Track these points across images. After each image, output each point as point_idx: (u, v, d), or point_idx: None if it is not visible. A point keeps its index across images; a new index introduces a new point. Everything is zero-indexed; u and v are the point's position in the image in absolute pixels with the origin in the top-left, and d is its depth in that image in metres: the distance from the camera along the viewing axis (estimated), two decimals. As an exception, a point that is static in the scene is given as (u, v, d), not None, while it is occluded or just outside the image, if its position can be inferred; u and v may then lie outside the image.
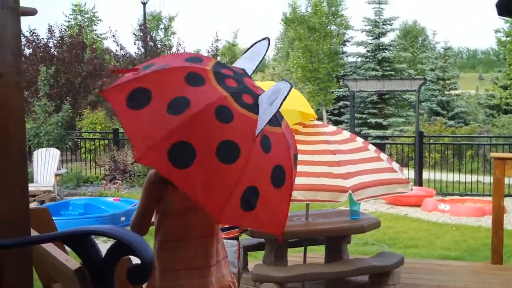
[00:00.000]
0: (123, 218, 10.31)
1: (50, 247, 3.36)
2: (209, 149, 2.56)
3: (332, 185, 5.32)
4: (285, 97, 2.76)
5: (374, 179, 5.52)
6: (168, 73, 2.71)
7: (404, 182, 5.63)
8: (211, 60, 2.91)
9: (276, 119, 2.83)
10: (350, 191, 5.33)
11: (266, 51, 3.08)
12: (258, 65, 3.10)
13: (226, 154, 2.57)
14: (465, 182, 14.71)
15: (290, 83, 2.89)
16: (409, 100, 25.58)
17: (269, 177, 2.70)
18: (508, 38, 29.19)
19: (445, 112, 32.46)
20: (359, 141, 6.04)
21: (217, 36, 26.41)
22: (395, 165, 5.88)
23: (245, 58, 3.07)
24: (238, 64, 3.05)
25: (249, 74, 2.98)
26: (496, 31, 32.04)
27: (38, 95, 18.15)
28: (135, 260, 1.65)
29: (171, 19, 39.14)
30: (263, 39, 3.12)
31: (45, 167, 13.43)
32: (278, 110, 2.76)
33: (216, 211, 2.62)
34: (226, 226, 4.87)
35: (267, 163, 2.71)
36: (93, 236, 1.75)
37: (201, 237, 3.14)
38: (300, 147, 5.56)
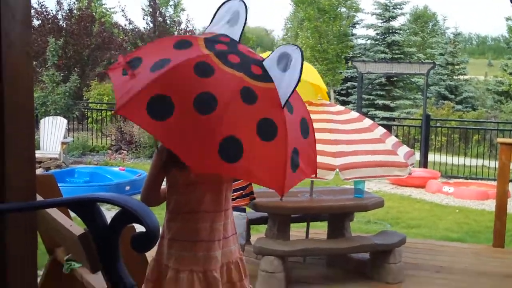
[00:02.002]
0: (128, 187, 10.36)
1: (55, 213, 3.38)
2: (187, 101, 2.58)
3: (321, 162, 5.26)
4: (302, 63, 2.79)
5: (369, 160, 5.51)
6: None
7: (402, 166, 5.60)
8: (197, 39, 2.91)
9: (270, 77, 2.81)
10: (337, 169, 5.33)
11: (246, 14, 3.05)
12: (243, 29, 3.07)
13: (203, 105, 2.59)
14: (470, 165, 14.69)
15: (298, 47, 2.90)
16: (417, 84, 25.52)
17: (254, 129, 2.67)
18: (519, 26, 29.03)
19: (453, 96, 32.39)
20: (366, 122, 6.03)
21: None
22: (402, 149, 5.84)
23: (221, 22, 3.06)
24: (215, 29, 3.04)
25: (237, 41, 3.00)
26: (508, 19, 31.89)
27: (47, 65, 18.16)
28: (140, 229, 1.67)
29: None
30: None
31: (52, 135, 13.49)
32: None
33: (192, 159, 2.62)
34: (234, 197, 4.90)
35: (250, 115, 2.69)
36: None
37: (209, 211, 3.14)
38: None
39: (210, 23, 3.10)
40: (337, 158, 5.41)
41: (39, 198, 2.61)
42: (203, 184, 3.10)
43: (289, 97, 2.78)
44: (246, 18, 3.03)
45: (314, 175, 3.00)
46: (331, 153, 5.44)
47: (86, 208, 1.71)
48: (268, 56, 2.92)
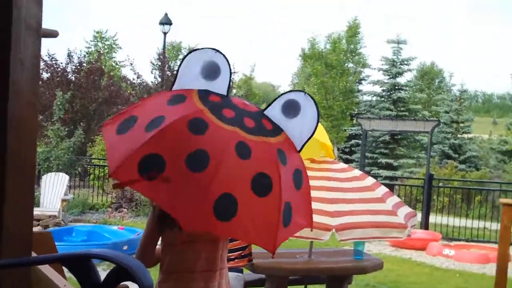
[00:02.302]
0: (125, 247, 10.29)
1: (48, 271, 3.38)
2: (179, 159, 2.57)
3: (317, 222, 5.22)
4: (317, 106, 2.85)
5: (366, 220, 5.45)
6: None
7: (401, 227, 5.55)
8: (192, 93, 2.85)
9: (265, 130, 2.82)
10: (333, 230, 5.28)
11: (228, 64, 2.93)
12: (229, 81, 2.96)
13: (196, 162, 2.57)
14: (472, 227, 14.56)
15: (304, 92, 2.93)
16: (421, 142, 25.51)
17: (249, 185, 2.64)
18: (525, 84, 29.09)
19: (456, 155, 32.29)
20: (369, 181, 5.98)
21: (234, 68, 26.57)
22: (403, 210, 5.79)
23: (193, 76, 2.90)
24: (185, 83, 2.90)
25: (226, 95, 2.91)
26: (514, 76, 31.91)
27: (52, 119, 18.27)
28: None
29: (190, 50, 39.42)
30: (203, 49, 2.95)
31: (53, 191, 13.47)
32: (274, 122, 2.84)
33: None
34: (232, 257, 4.88)
35: (246, 170, 2.67)
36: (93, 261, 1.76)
37: (204, 271, 3.11)
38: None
39: (175, 78, 2.94)
40: (334, 217, 5.36)
41: (34, 255, 2.61)
42: (198, 242, 3.07)
43: (304, 144, 2.83)
44: (230, 70, 2.93)
45: (310, 229, 2.99)
46: (329, 212, 5.39)
47: (80, 264, 1.70)
48: (270, 105, 2.92)
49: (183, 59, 2.92)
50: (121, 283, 1.67)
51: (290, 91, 3.04)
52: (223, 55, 2.92)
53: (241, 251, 5.15)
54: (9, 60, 1.82)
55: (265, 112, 2.90)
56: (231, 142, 2.65)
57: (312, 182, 5.54)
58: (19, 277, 1.94)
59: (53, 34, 2.63)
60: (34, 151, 2.02)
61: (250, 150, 2.67)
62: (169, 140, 2.62)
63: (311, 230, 3.12)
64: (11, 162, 1.85)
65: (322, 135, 6.29)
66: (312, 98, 2.92)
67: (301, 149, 2.92)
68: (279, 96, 2.96)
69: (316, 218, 5.20)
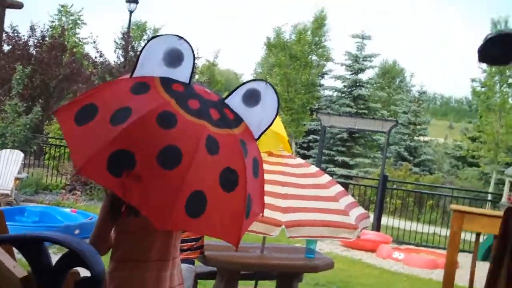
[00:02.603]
0: (77, 231, 10.16)
1: (-2, 252, 3.33)
2: (150, 156, 2.55)
3: (268, 217, 5.12)
4: (277, 95, 2.87)
5: (317, 218, 5.43)
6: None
7: (351, 228, 5.51)
8: (154, 80, 2.81)
9: (229, 121, 2.82)
10: (283, 226, 5.29)
11: (192, 51, 2.87)
12: (193, 69, 2.90)
13: (168, 159, 2.56)
14: (422, 232, 14.79)
15: (265, 81, 2.95)
16: (378, 142, 25.77)
17: (217, 180, 2.66)
18: (483, 89, 29.45)
19: (411, 158, 32.73)
20: (324, 178, 5.96)
21: (197, 53, 26.39)
22: (355, 211, 5.80)
23: (157, 66, 2.84)
24: (144, 70, 2.84)
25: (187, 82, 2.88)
26: (473, 80, 32.16)
27: (11, 94, 17.94)
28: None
29: (155, 30, 38.98)
30: (168, 35, 2.88)
31: (6, 169, 13.20)
32: (234, 112, 2.85)
33: (159, 217, 2.58)
34: (185, 248, 4.87)
35: (214, 166, 2.68)
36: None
37: (157, 260, 3.10)
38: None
39: (135, 66, 2.85)
40: (285, 213, 5.33)
41: None
42: (152, 231, 3.00)
43: (262, 133, 2.84)
44: (193, 57, 2.88)
45: (261, 214, 2.99)
46: (280, 208, 5.36)
47: (31, 247, 1.68)
48: (231, 94, 2.92)
49: (145, 44, 2.85)
50: (72, 268, 1.64)
51: (252, 80, 3.05)
52: (188, 43, 2.86)
53: (193, 243, 5.12)
54: None
55: (226, 101, 2.91)
56: (201, 137, 2.64)
57: (266, 176, 5.48)
58: None
59: (17, 5, 2.58)
60: None
61: (218, 145, 2.68)
62: (138, 136, 2.59)
63: (262, 216, 3.09)
64: None
65: (279, 127, 6.27)
66: (273, 87, 2.94)
67: (258, 137, 2.94)
68: (240, 85, 2.97)
69: (267, 213, 5.16)
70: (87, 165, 2.57)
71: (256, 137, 2.90)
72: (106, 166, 2.53)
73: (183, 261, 4.31)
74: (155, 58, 2.83)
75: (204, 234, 2.70)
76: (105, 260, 3.00)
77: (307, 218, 5.42)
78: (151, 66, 2.83)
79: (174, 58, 2.84)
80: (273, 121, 2.92)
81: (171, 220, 2.58)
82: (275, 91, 2.92)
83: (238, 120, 2.88)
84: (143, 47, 2.84)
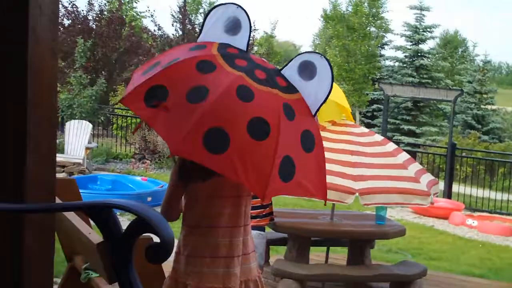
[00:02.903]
0: (149, 198, 10.31)
1: (75, 219, 3.34)
2: (241, 130, 2.61)
3: (341, 185, 5.23)
4: (331, 69, 2.87)
5: (390, 186, 5.42)
6: (179, 67, 2.78)
7: (424, 194, 5.48)
8: (213, 44, 2.94)
9: (275, 83, 2.84)
10: (357, 194, 5.22)
11: (249, 21, 3.01)
12: (249, 38, 3.03)
13: (258, 131, 2.63)
14: (495, 199, 14.40)
15: (321, 54, 2.95)
16: (444, 110, 25.28)
17: (299, 144, 2.76)
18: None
19: (479, 126, 32.07)
20: (390, 146, 5.93)
21: (254, 25, 26.30)
22: (425, 177, 5.72)
23: (217, 30, 3.00)
24: (209, 37, 3.01)
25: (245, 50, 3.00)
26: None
27: (74, 67, 18.20)
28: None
29: (211, 4, 38.94)
30: (226, 4, 3.02)
31: (76, 139, 13.45)
32: (287, 80, 2.89)
33: (260, 188, 2.64)
34: (253, 215, 4.81)
35: (295, 130, 2.77)
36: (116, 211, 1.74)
37: (229, 226, 3.08)
38: (323, 144, 5.48)
39: (200, 32, 3.05)
40: (357, 181, 5.34)
41: (59, 201, 2.56)
42: (222, 198, 3.05)
43: (319, 107, 2.87)
44: (250, 26, 2.99)
45: (324, 200, 2.99)
46: (352, 176, 5.37)
47: (101, 213, 1.68)
48: (286, 65, 2.95)
49: (207, 14, 3.01)
50: (141, 235, 1.65)
51: (306, 52, 3.09)
52: (245, 11, 2.99)
53: (262, 209, 5.12)
54: (28, 6, 1.80)
55: (282, 71, 2.95)
56: (233, 83, 2.70)
57: (333, 145, 5.55)
58: (44, 222, 1.93)
59: None
60: (55, 97, 2.01)
61: (253, 95, 2.71)
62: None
63: (325, 204, 3.23)
64: (32, 108, 1.83)
65: (340, 97, 6.25)
66: (327, 60, 2.94)
67: (316, 112, 2.95)
68: (295, 57, 3.00)
69: (339, 181, 5.22)
70: (183, 146, 2.65)
71: (313, 112, 2.91)
72: (203, 145, 2.58)
73: (253, 228, 4.29)
74: (216, 26, 3.00)
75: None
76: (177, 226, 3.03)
77: (380, 185, 5.40)
78: (213, 33, 3.00)
79: (232, 26, 2.99)
80: (328, 94, 2.92)
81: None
82: (329, 63, 2.92)
83: (290, 89, 2.91)
84: (205, 16, 3.03)
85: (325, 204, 3.24)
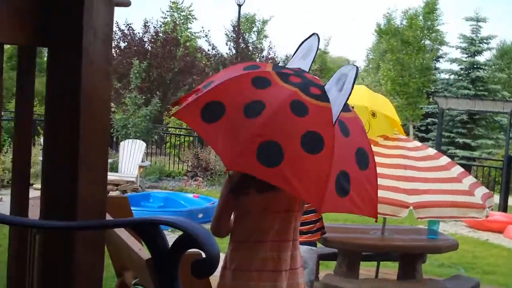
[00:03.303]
0: (200, 215, 10.41)
1: (125, 236, 3.45)
2: (294, 143, 2.68)
3: (394, 199, 5.23)
4: (354, 80, 2.91)
5: (444, 199, 5.40)
6: (234, 82, 2.87)
7: (479, 207, 5.45)
8: (267, 64, 3.12)
9: (347, 105, 2.94)
10: (411, 207, 5.22)
11: (318, 46, 3.20)
12: (313, 61, 3.22)
13: (311, 144, 2.69)
14: (552, 212, 14.05)
15: (355, 66, 3.02)
16: (500, 123, 24.81)
17: (354, 160, 2.81)
18: None
19: (537, 138, 31.27)
20: (443, 160, 5.91)
21: (309, 43, 26.32)
22: (479, 190, 5.69)
23: (297, 58, 3.20)
24: (291, 65, 3.20)
25: (307, 71, 3.13)
26: None
27: (130, 88, 18.57)
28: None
29: (264, 22, 39.31)
30: (311, 35, 3.23)
31: (130, 158, 13.75)
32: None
33: (317, 200, 2.69)
34: (304, 230, 4.87)
35: (350, 147, 2.84)
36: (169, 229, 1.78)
37: (277, 240, 3.12)
38: (376, 159, 5.55)
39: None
40: (411, 195, 5.34)
41: (110, 219, 2.67)
42: (272, 212, 3.08)
43: (340, 112, 2.86)
44: (317, 50, 3.20)
45: (375, 219, 3.02)
46: (405, 190, 5.38)
47: (148, 230, 1.70)
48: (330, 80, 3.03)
49: (300, 45, 3.27)
50: (187, 250, 1.67)
51: (347, 65, 3.18)
52: (318, 37, 3.26)
53: (312, 225, 5.13)
54: (82, 28, 1.84)
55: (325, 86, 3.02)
56: (288, 98, 2.78)
57: (386, 160, 5.57)
58: (94, 238, 1.96)
59: (125, 3, 2.67)
60: (107, 117, 2.04)
61: (307, 110, 2.79)
62: (279, 126, 2.75)
63: (376, 221, 3.20)
64: (85, 128, 1.87)
65: (390, 110, 6.26)
66: (356, 69, 3.00)
67: (336, 120, 2.92)
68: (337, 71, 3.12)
69: (392, 195, 5.24)
70: (237, 160, 2.72)
71: (334, 118, 2.86)
72: (256, 158, 2.65)
73: (304, 243, 4.33)
74: (300, 54, 3.23)
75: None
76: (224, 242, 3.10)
77: (434, 199, 5.40)
78: (296, 60, 3.23)
79: (308, 52, 3.20)
80: (347, 98, 2.94)
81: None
82: (356, 71, 2.99)
83: (346, 107, 2.99)
84: (301, 44, 3.27)
85: (376, 221, 3.25)
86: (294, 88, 2.84)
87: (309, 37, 3.23)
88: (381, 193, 5.24)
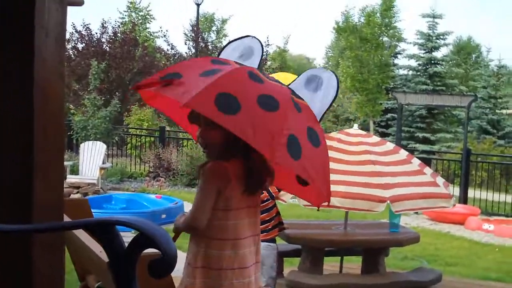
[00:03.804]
0: (163, 216, 10.34)
1: (86, 239, 3.40)
2: (251, 100, 2.77)
3: (370, 194, 5.30)
4: (337, 80, 3.13)
5: (415, 192, 5.48)
6: (193, 61, 3.22)
7: (447, 197, 5.55)
8: (230, 61, 3.17)
9: (298, 95, 3.07)
10: (388, 202, 5.28)
11: (262, 50, 3.35)
12: (258, 65, 3.31)
13: (267, 104, 2.77)
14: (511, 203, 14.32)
15: (329, 70, 3.21)
16: (458, 117, 25.20)
17: (305, 134, 2.87)
18: None
19: (495, 131, 31.78)
20: (403, 153, 6.00)
21: (268, 40, 26.48)
22: (440, 180, 5.80)
23: (233, 56, 3.31)
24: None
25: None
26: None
27: (89, 89, 18.38)
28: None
29: (224, 21, 39.23)
30: (246, 36, 3.40)
31: (91, 160, 13.60)
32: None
33: (268, 150, 2.73)
34: (264, 227, 4.85)
35: (302, 122, 2.93)
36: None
37: (251, 235, 3.13)
38: (341, 156, 5.59)
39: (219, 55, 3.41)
40: (385, 190, 5.40)
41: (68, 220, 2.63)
42: (246, 208, 3.09)
43: (324, 113, 3.11)
44: (262, 52, 3.34)
45: (327, 201, 3.06)
46: (380, 185, 5.45)
47: (103, 231, 1.68)
48: (293, 81, 3.20)
49: (224, 46, 3.42)
50: (144, 250, 1.65)
51: (313, 68, 3.49)
52: (259, 40, 3.38)
53: (267, 224, 5.11)
54: (34, 28, 1.83)
55: (290, 86, 3.15)
56: (288, 95, 2.94)
57: (354, 157, 5.63)
58: (52, 241, 1.95)
59: (78, 2, 2.62)
60: (62, 118, 2.03)
61: (300, 107, 2.96)
62: (235, 83, 2.83)
63: (328, 203, 3.20)
64: (39, 129, 1.85)
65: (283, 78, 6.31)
66: (334, 72, 3.21)
67: (320, 119, 3.14)
68: (303, 73, 3.30)
69: (367, 190, 5.30)
70: (195, 98, 2.70)
71: (319, 118, 3.11)
72: (214, 102, 2.68)
73: (262, 240, 4.33)
74: (233, 54, 3.34)
75: (304, 176, 2.77)
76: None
77: (405, 192, 5.47)
78: (232, 59, 3.25)
79: (247, 53, 3.33)
80: (333, 101, 3.20)
81: (276, 155, 2.74)
82: (336, 75, 3.17)
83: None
84: (222, 49, 3.41)
85: (328, 203, 3.21)
86: (284, 86, 3.04)
87: (243, 37, 3.39)
88: (355, 189, 5.34)
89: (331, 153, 5.48)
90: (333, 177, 5.21)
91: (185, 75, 2.87)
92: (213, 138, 3.01)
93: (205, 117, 2.90)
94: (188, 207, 9.78)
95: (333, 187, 5.01)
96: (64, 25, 2.00)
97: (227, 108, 2.68)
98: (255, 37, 3.37)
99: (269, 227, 5.17)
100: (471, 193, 14.57)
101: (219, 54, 3.37)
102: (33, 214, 1.84)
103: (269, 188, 4.66)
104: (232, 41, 3.43)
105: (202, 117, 2.97)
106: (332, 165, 5.30)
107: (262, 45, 3.36)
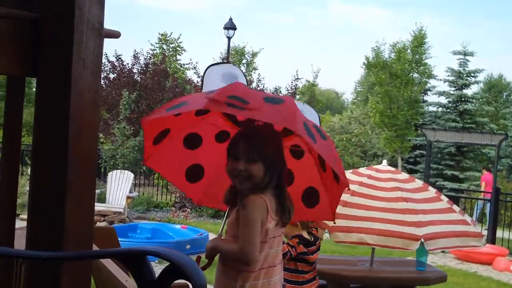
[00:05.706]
0: (188, 246, 10.33)
1: (112, 267, 3.43)
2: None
3: (404, 232, 5.25)
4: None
5: (447, 230, 5.43)
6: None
7: (478, 236, 5.50)
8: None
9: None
10: (422, 240, 5.24)
11: (244, 76, 3.57)
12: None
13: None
14: (542, 245, 14.05)
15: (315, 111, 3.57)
16: (488, 155, 24.93)
17: (319, 178, 3.24)
18: None
19: (525, 170, 31.47)
20: (432, 191, 5.96)
21: (297, 74, 26.59)
22: (467, 218, 5.75)
23: (214, 81, 3.49)
24: (209, 86, 3.38)
25: None
26: None
27: (119, 118, 18.56)
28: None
29: (254, 54, 39.50)
30: (222, 62, 3.57)
31: (118, 189, 13.70)
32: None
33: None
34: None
35: (312, 168, 3.25)
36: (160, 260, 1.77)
37: (279, 263, 3.19)
38: (372, 192, 5.56)
39: (201, 88, 3.61)
40: (419, 228, 5.36)
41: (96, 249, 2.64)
42: (279, 237, 3.17)
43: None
44: (245, 79, 3.56)
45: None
46: (414, 222, 5.41)
47: (134, 261, 1.69)
48: None
49: (205, 71, 3.67)
50: (174, 281, 1.65)
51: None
52: (238, 67, 3.73)
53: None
54: (72, 59, 1.86)
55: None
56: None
57: (385, 193, 5.61)
58: (79, 270, 1.96)
59: (115, 34, 2.68)
60: (95, 148, 2.05)
61: (303, 153, 3.27)
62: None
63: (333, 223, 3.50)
64: (73, 157, 1.88)
65: None
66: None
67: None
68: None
69: (401, 228, 5.27)
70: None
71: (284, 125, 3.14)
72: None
73: None
74: (215, 79, 3.53)
75: (320, 219, 2.98)
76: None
77: (438, 230, 5.44)
78: (213, 83, 3.42)
79: (229, 78, 3.46)
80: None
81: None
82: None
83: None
84: (204, 72, 3.68)
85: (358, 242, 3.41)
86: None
87: (220, 63, 3.58)
88: (389, 227, 5.31)
89: (362, 189, 5.49)
90: (365, 213, 5.23)
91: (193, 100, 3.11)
92: (257, 171, 2.98)
93: (247, 152, 2.96)
94: (212, 238, 9.77)
95: (366, 224, 5.08)
96: (101, 57, 2.03)
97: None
98: (234, 64, 3.58)
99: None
100: (499, 233, 14.34)
101: (202, 82, 3.60)
102: (63, 240, 1.86)
103: None
104: (210, 66, 3.63)
105: (243, 151, 2.97)
106: (364, 201, 5.33)
107: (244, 73, 3.60)
